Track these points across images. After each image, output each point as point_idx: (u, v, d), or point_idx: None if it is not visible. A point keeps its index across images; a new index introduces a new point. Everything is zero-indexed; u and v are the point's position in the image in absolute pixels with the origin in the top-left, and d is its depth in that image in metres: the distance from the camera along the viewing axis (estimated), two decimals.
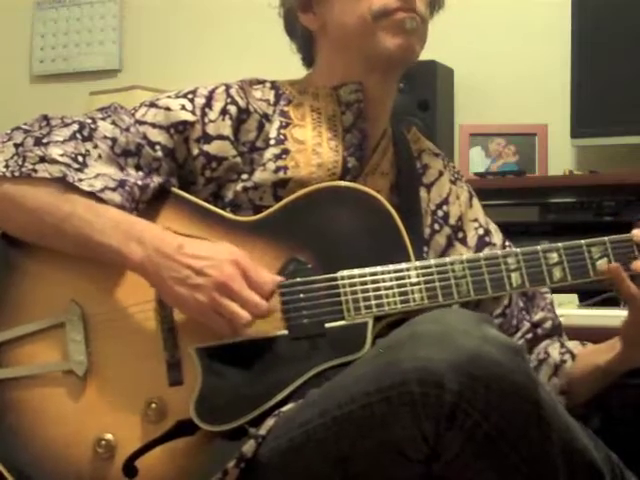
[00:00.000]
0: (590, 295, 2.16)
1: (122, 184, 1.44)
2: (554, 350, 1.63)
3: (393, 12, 1.54)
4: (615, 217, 2.35)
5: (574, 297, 2.16)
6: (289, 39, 1.68)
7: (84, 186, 1.41)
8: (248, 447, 1.32)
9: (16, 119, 1.51)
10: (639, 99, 2.49)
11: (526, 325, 1.66)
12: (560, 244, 1.48)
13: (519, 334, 1.64)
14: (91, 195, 1.41)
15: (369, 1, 1.54)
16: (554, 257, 1.48)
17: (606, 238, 1.49)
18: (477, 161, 2.82)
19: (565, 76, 2.61)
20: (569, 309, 2.03)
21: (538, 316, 1.67)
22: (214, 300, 1.35)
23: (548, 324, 1.66)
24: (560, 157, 2.74)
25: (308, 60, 1.68)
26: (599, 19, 2.56)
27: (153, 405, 1.39)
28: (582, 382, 1.58)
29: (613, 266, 1.47)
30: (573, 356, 1.61)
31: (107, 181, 1.43)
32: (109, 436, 1.38)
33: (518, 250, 1.48)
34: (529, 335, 1.65)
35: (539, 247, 1.48)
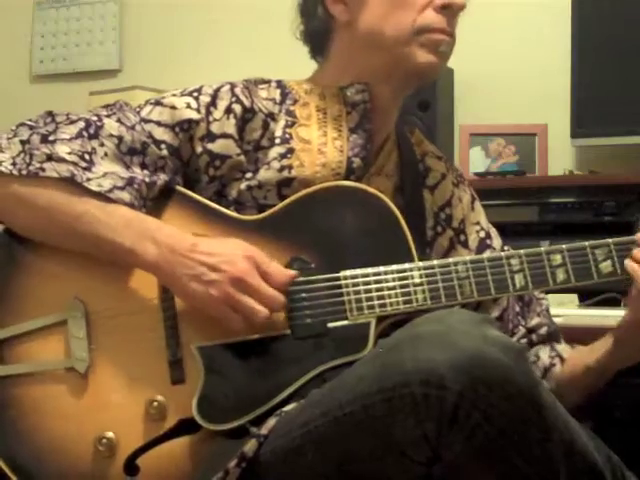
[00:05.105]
0: (590, 295, 2.16)
1: (130, 182, 1.44)
2: (544, 354, 1.63)
3: (435, 31, 1.53)
4: (615, 217, 2.35)
5: (574, 297, 2.17)
6: (299, 19, 1.63)
7: (93, 186, 1.41)
8: (249, 446, 1.32)
9: (16, 119, 1.50)
10: (639, 99, 2.49)
11: (521, 330, 1.65)
12: (564, 246, 1.47)
13: (514, 339, 1.63)
14: (100, 195, 1.41)
15: (413, 14, 1.53)
16: (557, 259, 1.47)
17: (610, 240, 1.48)
18: (477, 161, 2.82)
19: (565, 76, 2.61)
20: (569, 309, 2.03)
21: (534, 322, 1.66)
22: (229, 295, 1.36)
23: (543, 330, 1.66)
24: (560, 157, 2.74)
25: (317, 49, 1.64)
26: (599, 19, 2.56)
27: (155, 403, 1.39)
28: (572, 384, 1.58)
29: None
30: (562, 360, 1.62)
31: (115, 180, 1.43)
32: (110, 434, 1.38)
33: (522, 251, 1.47)
34: (524, 340, 1.64)
35: (542, 248, 1.47)
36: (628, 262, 1.46)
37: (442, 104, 2.76)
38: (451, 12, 1.55)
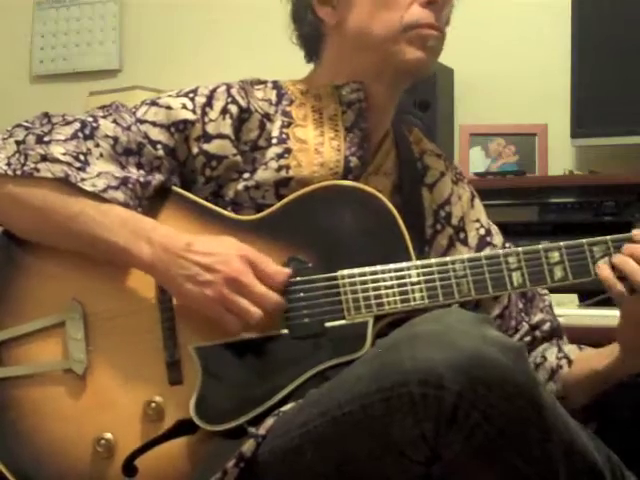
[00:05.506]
0: (590, 295, 2.16)
1: (124, 182, 1.44)
2: (551, 355, 1.62)
3: (423, 27, 1.53)
4: (615, 217, 2.35)
5: (574, 297, 2.17)
6: (292, 25, 1.64)
7: (87, 186, 1.41)
8: (248, 447, 1.32)
9: (16, 119, 1.51)
10: (639, 99, 2.49)
11: (525, 327, 1.65)
12: (562, 243, 1.47)
13: (517, 336, 1.64)
14: (94, 195, 1.41)
15: (400, 12, 1.53)
16: (555, 256, 1.47)
17: (607, 237, 1.47)
18: (477, 161, 2.82)
19: (565, 76, 2.61)
20: (569, 309, 2.03)
21: (537, 318, 1.66)
22: (223, 296, 1.36)
23: (547, 326, 1.65)
24: (560, 157, 2.74)
25: (312, 53, 1.65)
26: (599, 19, 2.56)
27: (153, 404, 1.39)
28: (579, 387, 1.58)
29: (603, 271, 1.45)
30: (570, 361, 1.61)
31: (110, 179, 1.43)
32: (109, 435, 1.38)
33: (519, 249, 1.47)
34: (528, 337, 1.64)
35: (540, 246, 1.47)
36: (602, 268, 1.45)
37: (442, 104, 2.76)
38: (437, 6, 1.54)
